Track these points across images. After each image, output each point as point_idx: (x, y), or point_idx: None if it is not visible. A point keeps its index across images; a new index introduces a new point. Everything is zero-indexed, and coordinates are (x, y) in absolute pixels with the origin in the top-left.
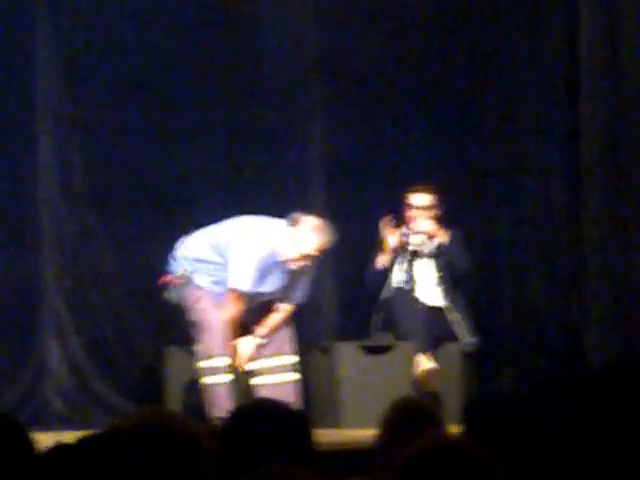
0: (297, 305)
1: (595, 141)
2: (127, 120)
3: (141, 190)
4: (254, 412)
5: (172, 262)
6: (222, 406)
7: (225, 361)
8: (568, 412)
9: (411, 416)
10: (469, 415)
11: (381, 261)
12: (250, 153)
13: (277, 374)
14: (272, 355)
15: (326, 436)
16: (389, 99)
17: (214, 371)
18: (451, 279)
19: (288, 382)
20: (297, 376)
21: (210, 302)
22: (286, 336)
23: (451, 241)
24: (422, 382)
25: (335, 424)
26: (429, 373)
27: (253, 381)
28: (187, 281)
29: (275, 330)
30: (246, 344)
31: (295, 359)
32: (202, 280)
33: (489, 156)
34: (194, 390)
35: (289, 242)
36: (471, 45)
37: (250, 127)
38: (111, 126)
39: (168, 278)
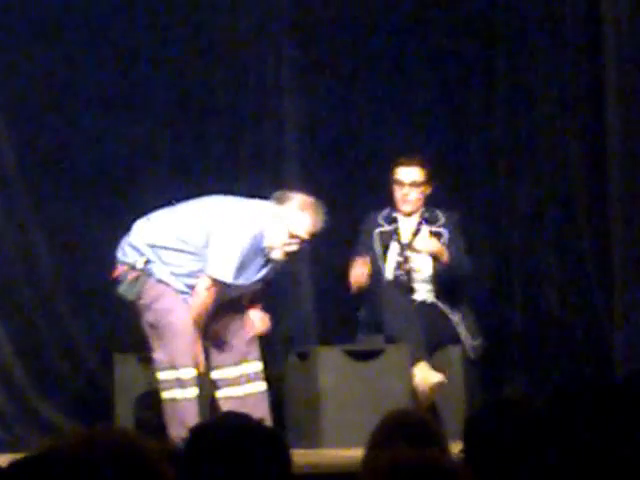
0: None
1: (623, 113)
2: (60, 89)
3: (80, 169)
4: (219, 430)
5: (126, 250)
6: (186, 424)
7: (191, 372)
8: (585, 427)
9: (405, 433)
10: (470, 432)
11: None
12: (212, 128)
13: (244, 385)
14: (237, 362)
15: (305, 457)
16: (379, 72)
17: (178, 384)
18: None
19: (257, 393)
20: (265, 386)
21: (173, 300)
22: (252, 340)
23: (450, 238)
24: (423, 397)
25: (315, 443)
26: (436, 388)
27: (218, 394)
28: (145, 274)
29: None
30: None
31: (261, 366)
32: (163, 273)
33: (498, 132)
34: (149, 404)
35: (276, 223)
36: (474, 8)
37: (213, 99)
38: (42, 96)
39: (121, 270)
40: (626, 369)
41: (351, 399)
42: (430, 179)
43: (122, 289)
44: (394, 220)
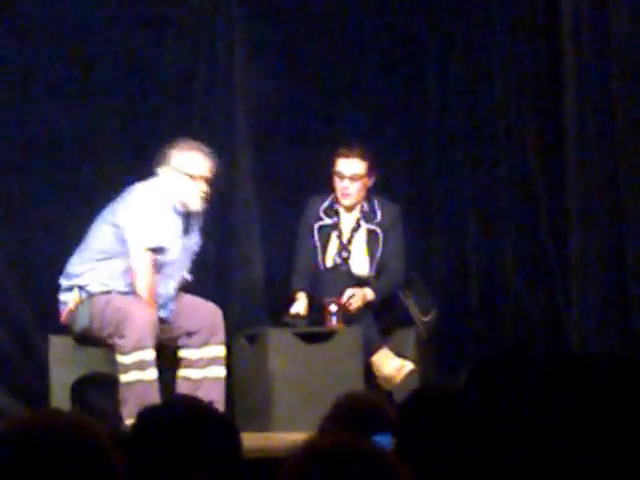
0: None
1: (580, 95)
2: (14, 70)
3: (35, 147)
4: (168, 413)
5: (61, 296)
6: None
7: (153, 354)
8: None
9: (358, 417)
10: (404, 415)
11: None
12: (164, 105)
13: (202, 368)
14: (199, 345)
15: (255, 441)
16: (332, 52)
17: (139, 366)
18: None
19: (214, 378)
20: (223, 371)
21: (121, 298)
22: (216, 323)
23: (385, 237)
24: (389, 385)
25: (266, 427)
26: (408, 376)
27: (178, 373)
28: (85, 298)
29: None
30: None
31: (224, 351)
32: (100, 285)
33: (449, 116)
34: (87, 388)
35: (174, 179)
36: None
37: (164, 75)
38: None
39: (65, 311)
40: (580, 346)
41: (302, 382)
42: (371, 171)
43: (77, 326)
44: (335, 213)
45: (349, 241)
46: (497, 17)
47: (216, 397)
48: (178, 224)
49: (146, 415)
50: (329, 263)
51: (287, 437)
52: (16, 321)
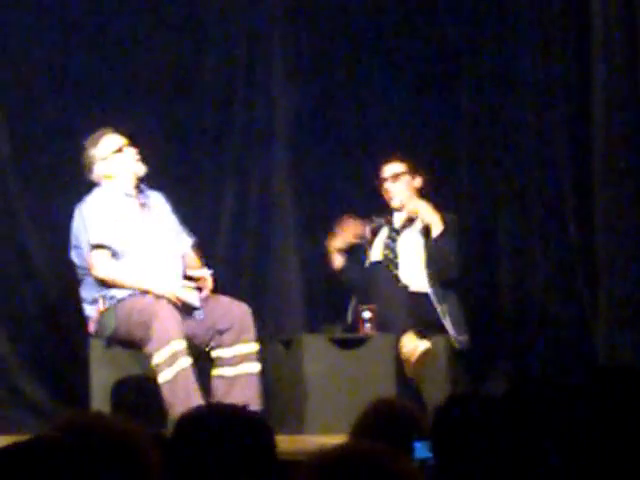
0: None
1: (608, 102)
2: (56, 74)
3: (68, 154)
4: (206, 418)
5: (86, 307)
6: (189, 396)
7: (182, 344)
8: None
9: (388, 422)
10: (437, 424)
11: (337, 260)
12: (204, 108)
13: (236, 365)
14: (232, 343)
15: (289, 443)
16: (370, 57)
17: (172, 360)
18: None
19: (248, 374)
20: (258, 367)
21: (143, 300)
22: (246, 320)
23: (442, 236)
24: (412, 368)
25: (300, 430)
26: (423, 357)
27: (213, 372)
28: (110, 305)
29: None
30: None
31: (257, 347)
32: (119, 291)
33: (480, 126)
34: (128, 389)
35: (102, 166)
36: None
37: (204, 79)
38: (37, 83)
39: (93, 321)
40: (608, 360)
41: (335, 387)
42: (413, 171)
43: (104, 334)
44: (387, 213)
45: (399, 232)
46: (526, 24)
47: (252, 393)
48: (126, 207)
49: (185, 419)
50: (376, 257)
51: (320, 440)
52: (59, 322)
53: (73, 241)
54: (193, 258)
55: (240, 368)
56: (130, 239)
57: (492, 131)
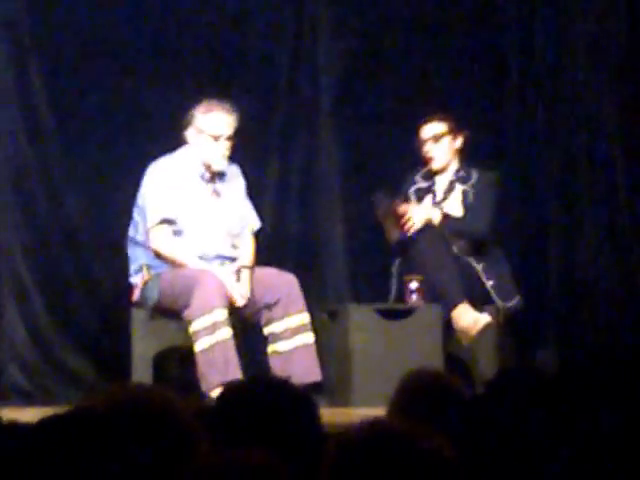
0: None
1: None
2: (97, 36)
3: (114, 123)
4: (249, 390)
5: (131, 276)
6: (227, 366)
7: (224, 313)
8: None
9: (426, 393)
10: (489, 395)
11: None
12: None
13: (290, 338)
14: (282, 317)
15: (335, 416)
16: (418, 29)
17: (212, 329)
18: None
19: (303, 345)
20: (312, 337)
21: (175, 270)
22: (293, 291)
23: (475, 196)
24: (468, 341)
25: (346, 402)
26: (484, 330)
27: (268, 349)
28: (155, 274)
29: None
30: (229, 276)
31: (308, 318)
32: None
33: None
34: (169, 360)
35: (195, 141)
36: None
37: (238, 56)
38: (77, 42)
39: (137, 289)
40: None
41: (382, 358)
42: (454, 131)
43: (147, 303)
44: (430, 177)
45: (442, 201)
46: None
47: (310, 364)
48: (197, 189)
49: (228, 392)
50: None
51: (366, 412)
52: (100, 293)
53: (139, 199)
54: (246, 246)
55: (295, 341)
56: (193, 221)
57: (541, 92)
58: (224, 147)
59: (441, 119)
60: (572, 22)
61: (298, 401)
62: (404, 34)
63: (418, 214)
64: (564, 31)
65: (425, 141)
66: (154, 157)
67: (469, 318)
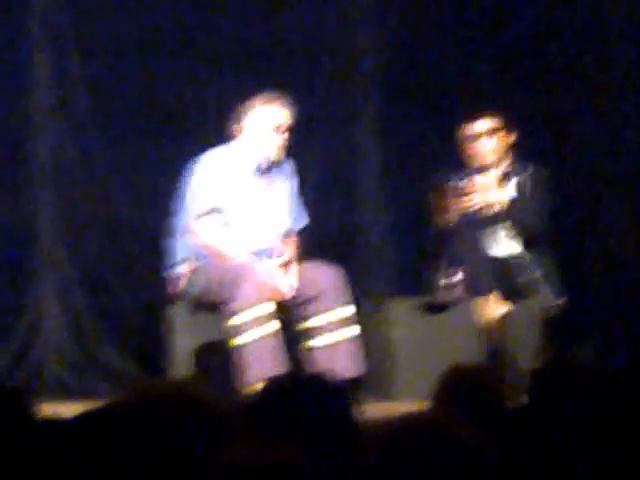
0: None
1: None
2: (137, 30)
3: (152, 112)
4: (288, 385)
5: (176, 267)
6: (267, 362)
7: (270, 307)
8: None
9: (466, 387)
10: (534, 388)
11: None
12: (281, 70)
13: (335, 331)
14: (326, 310)
15: (376, 409)
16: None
17: (255, 322)
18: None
19: (348, 339)
20: (357, 329)
21: (216, 264)
22: (338, 284)
23: (529, 191)
24: (492, 333)
25: (388, 395)
26: (504, 320)
27: (310, 344)
28: (200, 265)
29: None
30: (275, 269)
31: (352, 309)
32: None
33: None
34: (209, 355)
35: (251, 132)
36: None
37: (281, 37)
38: (117, 36)
39: (181, 280)
40: None
41: (424, 351)
42: (506, 127)
43: (191, 294)
44: (469, 176)
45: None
46: None
47: (354, 357)
48: (249, 181)
49: (268, 387)
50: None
51: (409, 406)
52: (140, 287)
53: (187, 189)
54: (292, 241)
55: (339, 334)
56: (242, 213)
57: (590, 84)
58: (283, 138)
59: (492, 115)
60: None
61: (334, 396)
62: (449, 26)
63: (483, 192)
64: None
65: (477, 136)
66: (195, 150)
67: (489, 309)
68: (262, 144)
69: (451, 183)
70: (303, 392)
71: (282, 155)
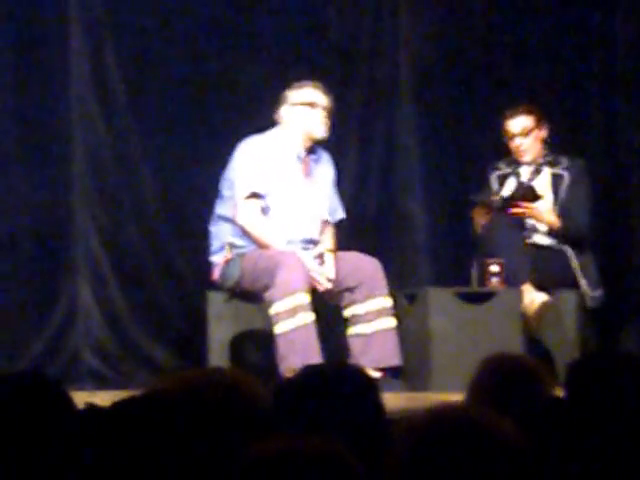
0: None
1: None
2: (175, 22)
3: (190, 103)
4: (319, 376)
5: (214, 255)
6: (306, 351)
7: (306, 297)
8: None
9: (505, 377)
10: (573, 378)
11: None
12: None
13: (371, 321)
14: (364, 299)
15: (413, 401)
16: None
17: (293, 312)
18: None
19: (384, 330)
20: (393, 322)
21: (256, 251)
22: (377, 275)
23: (571, 183)
24: (530, 322)
25: (426, 387)
26: (542, 310)
27: (348, 331)
28: (237, 254)
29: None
30: (313, 260)
31: (390, 302)
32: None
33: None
34: (246, 344)
35: (292, 114)
36: None
37: (319, 37)
38: (153, 25)
39: (218, 267)
40: None
41: (461, 342)
42: (541, 122)
43: (228, 282)
44: (515, 163)
45: (529, 181)
46: None
47: (390, 348)
48: (290, 166)
49: (302, 376)
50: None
51: (446, 397)
52: (176, 277)
53: (229, 174)
54: (329, 237)
55: (376, 324)
56: (282, 200)
57: (626, 77)
58: (323, 116)
59: (527, 112)
60: None
61: (366, 387)
62: (487, 18)
63: (539, 212)
64: None
65: (514, 135)
66: (229, 136)
67: (526, 298)
68: (303, 123)
69: (497, 201)
70: (335, 383)
71: (325, 131)
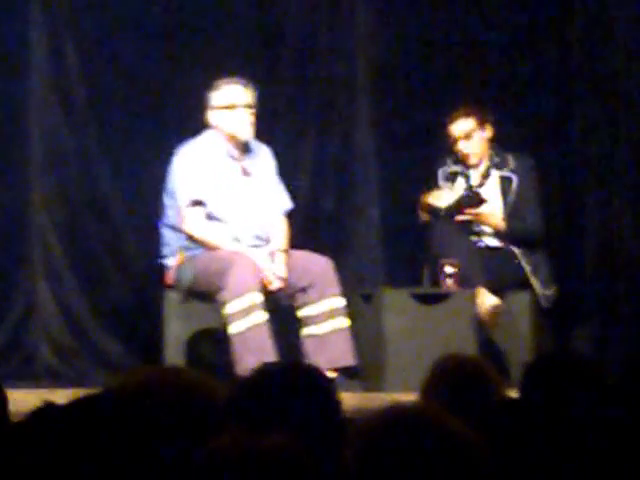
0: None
1: None
2: (132, 22)
3: (147, 102)
4: (273, 375)
5: (165, 259)
6: (260, 350)
7: (258, 297)
8: None
9: (458, 378)
10: (527, 379)
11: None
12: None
13: (325, 322)
14: (317, 300)
15: (368, 401)
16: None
17: (245, 313)
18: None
19: (338, 330)
20: (346, 322)
21: (207, 253)
22: (328, 275)
23: (520, 185)
24: (484, 325)
25: (379, 387)
26: (494, 312)
27: (302, 332)
28: (189, 256)
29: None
30: (264, 258)
31: (343, 302)
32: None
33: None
34: (202, 343)
35: (216, 117)
36: None
37: (274, 29)
38: (114, 24)
39: (171, 271)
40: None
41: (416, 343)
42: (482, 123)
43: (182, 285)
44: (463, 162)
45: (479, 186)
46: None
47: (344, 349)
48: (227, 169)
49: (255, 376)
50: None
51: (400, 397)
52: (133, 275)
53: (168, 184)
54: (280, 228)
55: (328, 325)
56: (225, 203)
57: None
58: (244, 116)
59: (467, 114)
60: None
61: (320, 387)
62: (444, 14)
63: (485, 217)
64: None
65: (456, 139)
66: (184, 137)
67: (479, 301)
68: (226, 125)
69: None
70: (289, 382)
71: (249, 132)
